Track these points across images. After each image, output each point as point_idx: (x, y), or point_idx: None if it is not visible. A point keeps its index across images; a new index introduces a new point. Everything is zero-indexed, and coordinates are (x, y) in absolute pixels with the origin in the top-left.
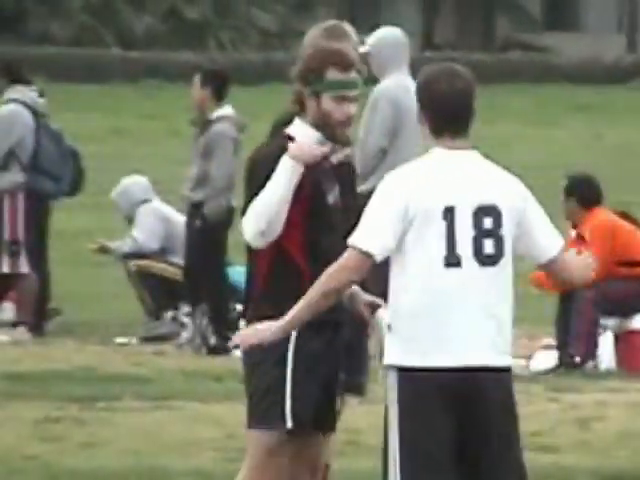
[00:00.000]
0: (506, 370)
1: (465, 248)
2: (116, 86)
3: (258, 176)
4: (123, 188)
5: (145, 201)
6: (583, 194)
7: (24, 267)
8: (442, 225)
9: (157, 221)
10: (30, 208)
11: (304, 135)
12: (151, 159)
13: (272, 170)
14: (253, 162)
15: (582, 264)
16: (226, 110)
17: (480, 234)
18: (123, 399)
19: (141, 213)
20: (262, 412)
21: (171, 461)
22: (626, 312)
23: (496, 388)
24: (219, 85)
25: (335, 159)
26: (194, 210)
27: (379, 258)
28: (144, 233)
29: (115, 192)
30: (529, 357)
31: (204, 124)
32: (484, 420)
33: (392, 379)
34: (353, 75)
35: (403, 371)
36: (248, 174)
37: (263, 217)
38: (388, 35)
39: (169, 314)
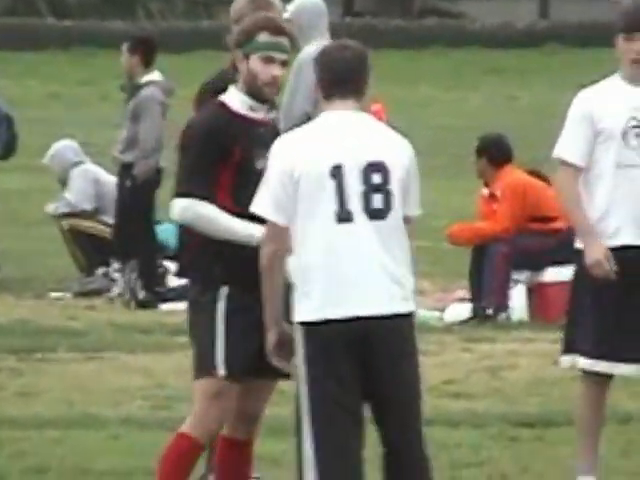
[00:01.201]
0: (405, 316)
1: (355, 203)
2: (51, 54)
3: (191, 147)
4: (54, 152)
5: (77, 164)
6: (493, 154)
7: None
8: (331, 183)
9: (88, 182)
10: None
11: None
12: (84, 123)
13: (205, 140)
14: (186, 133)
15: None
16: (154, 75)
17: (369, 189)
18: (58, 351)
19: (73, 175)
20: (199, 362)
21: (103, 409)
22: (537, 266)
23: (395, 334)
24: (147, 52)
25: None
26: (124, 171)
27: (282, 223)
28: (76, 194)
29: (47, 156)
30: (443, 309)
31: (133, 89)
32: (385, 366)
33: (298, 335)
34: (282, 40)
35: (307, 325)
36: (182, 144)
37: (203, 224)
38: (307, 2)
39: (100, 270)
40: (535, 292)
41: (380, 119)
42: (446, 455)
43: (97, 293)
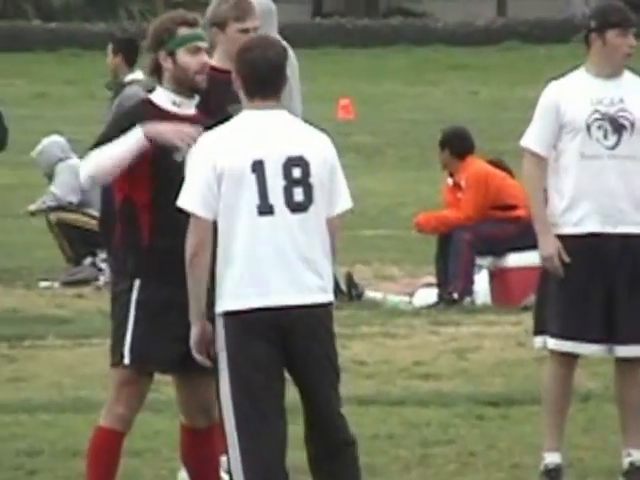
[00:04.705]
0: (324, 306)
1: (277, 197)
2: (38, 55)
3: (109, 127)
4: (42, 147)
5: (62, 159)
6: (455, 146)
7: None
8: (252, 177)
9: (73, 176)
10: None
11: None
12: (71, 120)
13: (118, 121)
14: (116, 114)
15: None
16: (137, 74)
17: (290, 183)
18: (47, 337)
19: (59, 170)
20: (111, 350)
21: (92, 392)
22: (499, 252)
23: (312, 324)
24: (130, 52)
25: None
26: None
27: (207, 217)
28: (61, 188)
29: (35, 151)
30: (412, 294)
31: (118, 87)
32: (302, 354)
33: (219, 325)
34: (200, 30)
35: (228, 315)
36: (107, 124)
37: (98, 167)
38: (256, 1)
39: (88, 260)
40: (497, 277)
41: (348, 114)
42: (417, 433)
43: (85, 282)
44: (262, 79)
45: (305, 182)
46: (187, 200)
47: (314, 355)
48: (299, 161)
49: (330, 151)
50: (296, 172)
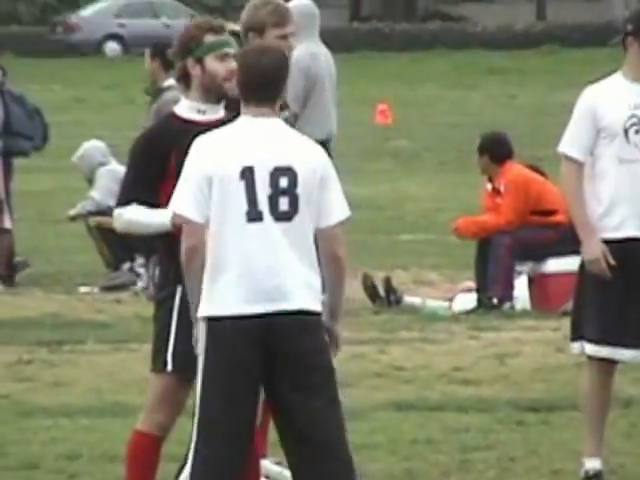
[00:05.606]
0: (313, 314)
1: (264, 205)
2: (76, 60)
3: (133, 153)
4: (84, 152)
5: (103, 164)
6: (494, 151)
7: (7, 223)
8: (241, 184)
9: (114, 181)
10: (6, 169)
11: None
12: (110, 125)
13: (140, 151)
14: (136, 139)
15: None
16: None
17: (276, 192)
18: (87, 342)
19: (99, 175)
20: (153, 356)
21: (130, 397)
22: (539, 257)
23: (301, 332)
24: (166, 57)
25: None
26: None
27: (202, 222)
28: (101, 192)
29: (76, 156)
30: (451, 299)
31: (156, 92)
32: (290, 364)
33: (202, 329)
34: (226, 36)
35: (211, 320)
36: (130, 149)
37: (129, 227)
38: (300, 5)
39: (126, 265)
40: (536, 282)
41: (386, 118)
42: (456, 439)
43: (123, 287)
44: (254, 86)
45: (291, 192)
46: (181, 205)
47: (301, 366)
48: (286, 171)
49: (320, 162)
50: (283, 182)
